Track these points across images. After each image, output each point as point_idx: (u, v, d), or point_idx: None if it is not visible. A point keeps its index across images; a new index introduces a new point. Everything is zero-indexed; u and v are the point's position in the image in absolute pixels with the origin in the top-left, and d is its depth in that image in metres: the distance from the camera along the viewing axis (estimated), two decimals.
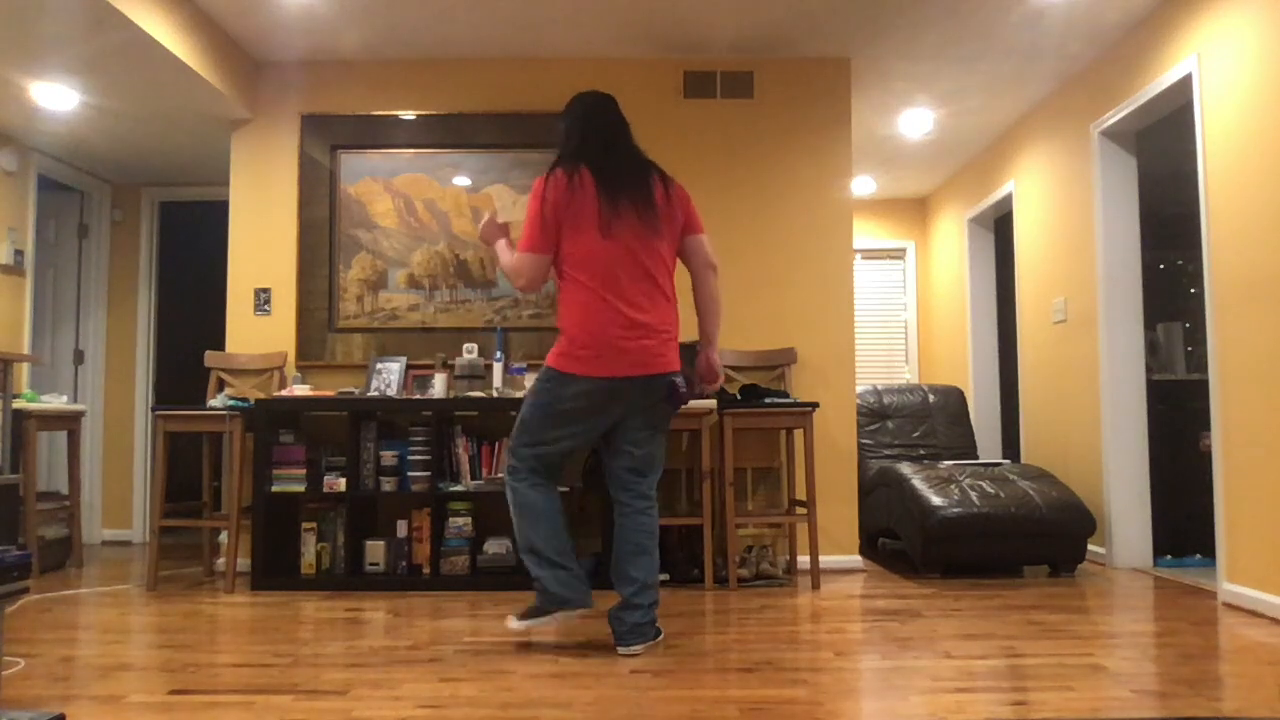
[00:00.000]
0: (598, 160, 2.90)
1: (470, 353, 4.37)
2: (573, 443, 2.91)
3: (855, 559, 4.50)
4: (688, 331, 4.00)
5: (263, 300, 4.58)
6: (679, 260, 3.05)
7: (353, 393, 4.27)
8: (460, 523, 4.14)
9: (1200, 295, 5.48)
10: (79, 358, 5.79)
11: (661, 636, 3.00)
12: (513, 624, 2.94)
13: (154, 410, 5.19)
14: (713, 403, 3.99)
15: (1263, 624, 3.22)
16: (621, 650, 2.85)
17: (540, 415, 2.90)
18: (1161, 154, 5.16)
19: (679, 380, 2.88)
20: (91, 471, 5.76)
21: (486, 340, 4.49)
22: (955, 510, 4.18)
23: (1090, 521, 4.21)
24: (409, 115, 4.60)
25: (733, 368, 4.49)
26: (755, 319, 4.58)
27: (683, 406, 2.96)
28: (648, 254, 2.86)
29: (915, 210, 7.32)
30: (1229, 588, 3.58)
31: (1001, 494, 4.30)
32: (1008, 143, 5.70)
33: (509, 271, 2.95)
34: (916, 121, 5.49)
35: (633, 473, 2.92)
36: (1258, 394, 3.41)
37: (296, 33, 4.31)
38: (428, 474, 4.10)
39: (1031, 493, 4.31)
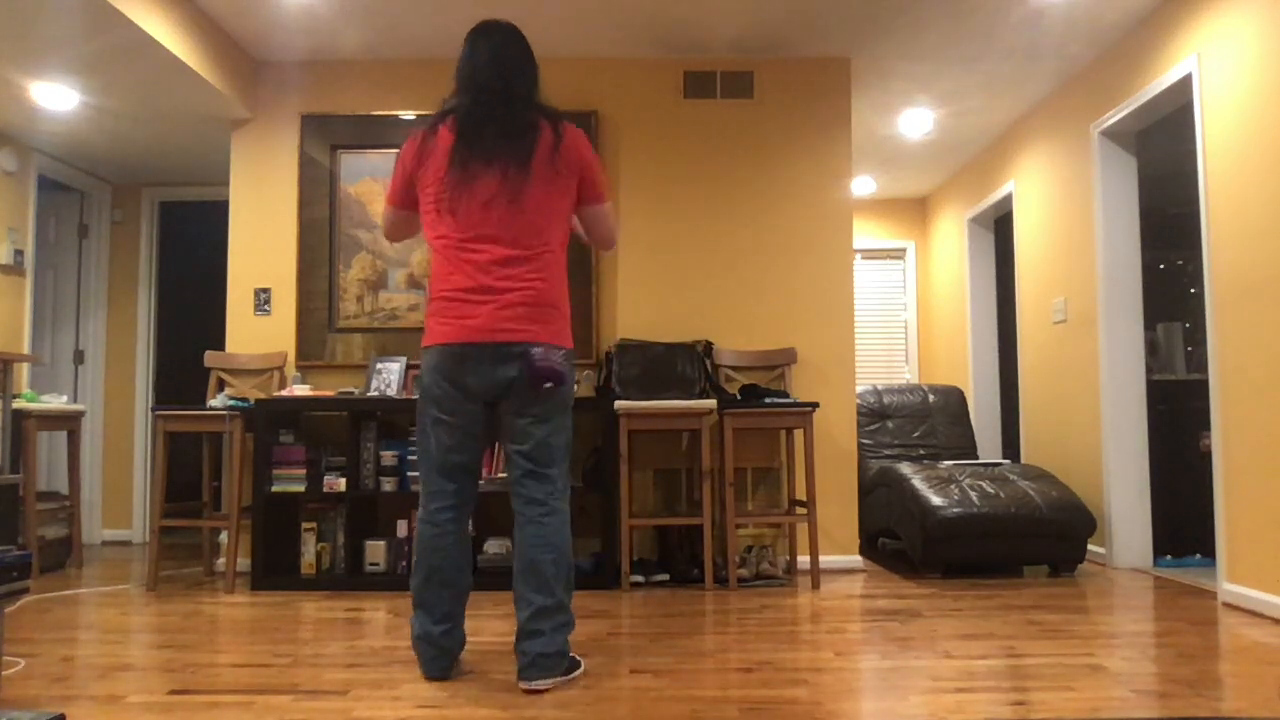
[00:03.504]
0: (465, 110, 2.62)
1: None
2: (450, 439, 2.56)
3: (855, 559, 4.49)
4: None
5: (263, 300, 4.58)
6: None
7: (353, 393, 4.27)
8: None
9: (1200, 295, 5.48)
10: (79, 358, 5.79)
11: (581, 669, 2.61)
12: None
13: (154, 410, 5.18)
14: (713, 403, 3.98)
15: (1263, 624, 3.22)
16: (523, 685, 2.45)
17: (421, 421, 2.61)
18: (1161, 154, 5.16)
19: (536, 351, 2.49)
20: (91, 471, 5.76)
21: None
22: (955, 510, 4.18)
23: (1090, 521, 4.21)
24: (409, 115, 4.60)
25: (733, 368, 4.49)
26: (755, 319, 4.58)
27: (551, 384, 2.52)
28: (509, 215, 2.54)
29: (915, 210, 7.32)
30: (1229, 588, 3.58)
31: (1001, 494, 4.30)
32: (1008, 143, 5.69)
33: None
34: (916, 121, 5.49)
35: (524, 474, 2.55)
36: (1258, 394, 3.41)
37: (296, 33, 4.31)
38: None
39: (1031, 493, 4.31)
